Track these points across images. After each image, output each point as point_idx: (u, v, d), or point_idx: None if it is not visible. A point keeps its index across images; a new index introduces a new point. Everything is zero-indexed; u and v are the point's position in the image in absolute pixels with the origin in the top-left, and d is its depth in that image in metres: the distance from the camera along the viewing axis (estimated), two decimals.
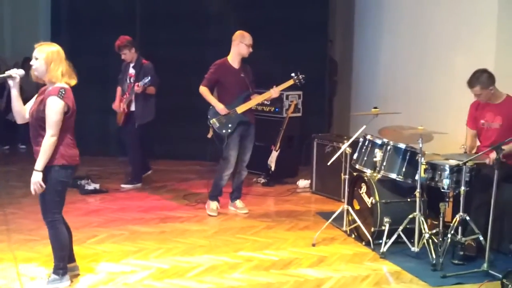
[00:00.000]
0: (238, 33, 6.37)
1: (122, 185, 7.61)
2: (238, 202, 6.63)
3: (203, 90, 6.31)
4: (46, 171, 4.22)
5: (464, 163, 4.95)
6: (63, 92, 4.19)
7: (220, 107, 6.26)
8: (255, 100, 6.38)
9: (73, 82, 4.34)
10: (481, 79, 5.26)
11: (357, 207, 5.75)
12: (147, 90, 7.20)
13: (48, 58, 4.23)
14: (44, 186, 4.19)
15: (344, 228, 5.85)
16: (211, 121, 6.33)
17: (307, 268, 4.97)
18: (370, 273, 4.86)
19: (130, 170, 7.78)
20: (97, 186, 7.35)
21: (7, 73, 4.30)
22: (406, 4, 7.93)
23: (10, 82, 4.30)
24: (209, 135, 6.40)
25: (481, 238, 4.94)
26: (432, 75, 7.25)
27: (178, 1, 9.15)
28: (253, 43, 6.34)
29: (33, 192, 4.21)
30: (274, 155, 7.77)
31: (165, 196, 7.29)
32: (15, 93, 4.32)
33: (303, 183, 7.82)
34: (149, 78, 7.03)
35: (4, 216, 6.23)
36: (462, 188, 4.97)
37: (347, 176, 5.82)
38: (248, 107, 6.33)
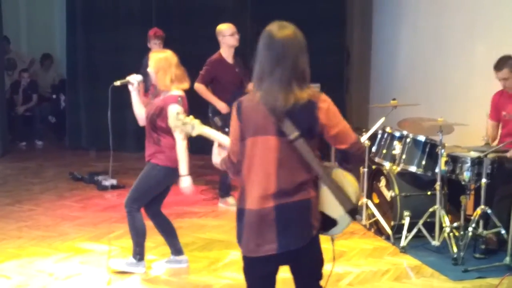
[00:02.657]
0: (217, 28, 6.26)
1: None
2: None
3: (201, 88, 6.19)
4: (152, 167, 4.45)
5: (485, 155, 4.87)
6: (181, 100, 4.35)
7: (222, 106, 6.18)
8: None
9: (185, 85, 4.50)
10: (510, 62, 5.18)
11: (376, 200, 5.69)
12: None
13: (156, 67, 4.38)
14: (192, 188, 4.48)
15: (363, 222, 5.79)
16: (214, 119, 6.27)
17: (327, 263, 4.90)
18: (390, 267, 4.81)
19: None
20: (114, 182, 7.34)
21: (127, 78, 4.48)
22: None
23: (129, 86, 4.50)
24: None
25: (503, 232, 4.86)
26: (452, 66, 7.15)
27: None
28: (235, 29, 6.25)
29: (188, 193, 4.53)
30: None
31: (182, 192, 7.24)
32: (133, 97, 4.53)
33: None
34: None
35: (23, 213, 6.25)
36: (484, 180, 4.88)
37: (366, 170, 5.76)
38: None
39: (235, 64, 6.32)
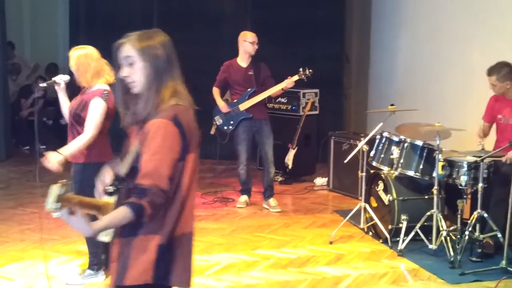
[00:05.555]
0: (241, 33, 6.64)
1: None
2: (272, 201, 6.68)
3: (213, 91, 6.64)
4: (84, 168, 4.33)
5: (482, 160, 4.92)
6: (106, 94, 4.31)
7: (221, 105, 6.56)
8: (260, 95, 6.50)
9: (110, 79, 4.42)
10: (501, 71, 5.26)
11: (374, 204, 5.75)
12: None
13: (76, 63, 4.35)
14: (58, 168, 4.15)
15: (361, 226, 5.85)
16: (214, 118, 6.63)
17: (325, 266, 4.98)
18: (387, 270, 4.87)
19: None
20: None
21: (53, 79, 4.45)
22: (423, 1, 7.90)
23: (56, 87, 4.46)
24: (212, 132, 6.68)
25: (499, 235, 4.90)
26: (450, 72, 7.21)
27: (194, 2, 9.20)
28: (257, 40, 6.53)
29: (47, 165, 4.13)
30: (291, 153, 7.78)
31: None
32: (61, 98, 4.47)
33: (320, 181, 7.83)
34: None
35: (25, 216, 6.32)
36: (480, 185, 4.94)
37: (364, 174, 5.81)
38: (252, 103, 6.49)
39: (250, 68, 6.55)
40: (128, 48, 2.44)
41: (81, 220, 2.27)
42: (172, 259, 2.42)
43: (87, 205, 2.34)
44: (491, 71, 5.31)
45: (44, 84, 4.45)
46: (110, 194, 2.39)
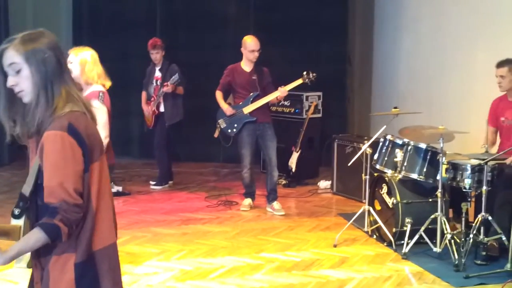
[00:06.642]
0: (243, 40, 6.63)
1: (152, 187, 7.71)
2: (275, 204, 6.68)
3: (216, 94, 6.67)
4: None
5: (486, 163, 4.92)
6: (102, 96, 4.40)
7: (225, 108, 6.58)
8: (262, 100, 6.52)
9: (108, 84, 4.54)
10: None
11: (378, 207, 5.74)
12: (176, 90, 7.34)
13: (82, 61, 4.41)
14: None
15: (365, 229, 5.85)
16: (218, 121, 6.66)
17: (329, 269, 4.98)
18: (392, 274, 4.86)
19: (158, 171, 7.84)
20: (119, 188, 7.42)
21: None
22: (426, 2, 7.90)
23: None
24: (216, 135, 6.75)
25: (504, 238, 4.89)
26: (453, 74, 7.20)
27: (197, 4, 9.22)
28: (260, 46, 6.53)
29: None
30: (294, 156, 7.79)
31: (187, 198, 7.34)
32: None
33: (324, 184, 7.82)
34: (177, 76, 7.19)
35: None
36: (484, 187, 4.93)
37: (368, 177, 5.81)
38: (255, 107, 6.51)
39: (253, 72, 6.59)
40: (13, 54, 2.19)
41: None
42: (96, 275, 2.27)
43: None
44: (503, 63, 5.31)
45: None
46: (17, 216, 2.24)
